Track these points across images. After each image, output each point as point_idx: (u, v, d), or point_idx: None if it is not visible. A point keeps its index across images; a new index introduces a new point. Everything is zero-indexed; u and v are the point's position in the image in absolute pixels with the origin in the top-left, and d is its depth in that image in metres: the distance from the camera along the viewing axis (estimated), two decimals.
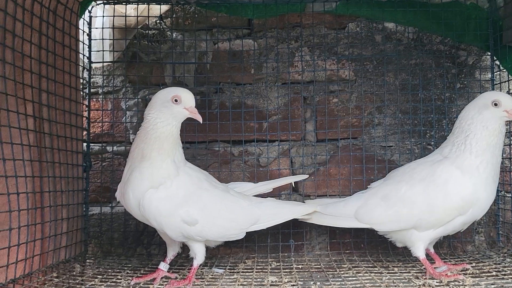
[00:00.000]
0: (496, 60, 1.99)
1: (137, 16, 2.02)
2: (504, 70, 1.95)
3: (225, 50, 2.10)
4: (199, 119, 1.49)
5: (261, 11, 2.04)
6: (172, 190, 1.46)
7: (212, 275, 1.65)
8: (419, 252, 1.58)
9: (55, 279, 1.53)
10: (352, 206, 1.66)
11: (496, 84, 1.99)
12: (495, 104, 1.52)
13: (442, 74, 2.05)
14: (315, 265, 1.81)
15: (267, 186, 1.81)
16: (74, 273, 1.64)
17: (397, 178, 1.64)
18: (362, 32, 2.07)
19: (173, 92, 1.47)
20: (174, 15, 2.11)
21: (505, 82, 1.95)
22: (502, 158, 1.60)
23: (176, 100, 1.45)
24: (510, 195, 1.91)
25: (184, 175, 1.49)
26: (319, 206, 1.71)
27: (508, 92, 1.95)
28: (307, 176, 1.91)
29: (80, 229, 1.90)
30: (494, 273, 1.55)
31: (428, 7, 1.98)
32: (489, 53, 2.00)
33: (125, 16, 2.01)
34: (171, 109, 1.45)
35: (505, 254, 1.85)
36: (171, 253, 1.64)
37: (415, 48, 2.07)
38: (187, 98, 1.47)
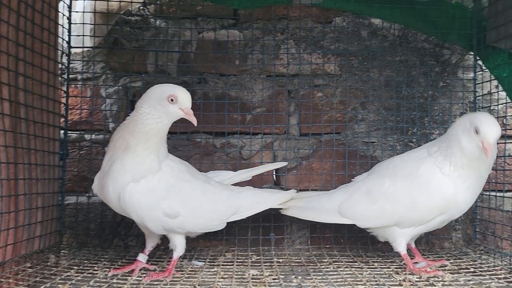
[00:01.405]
0: (479, 59, 2.01)
1: (120, 1, 1.97)
2: (486, 70, 1.97)
3: (210, 40, 2.06)
4: (194, 122, 1.43)
5: (247, 2, 2.01)
6: (153, 183, 1.42)
7: (191, 267, 1.62)
8: (401, 247, 1.58)
9: (28, 269, 1.47)
10: (336, 200, 1.65)
11: (478, 83, 2.01)
12: (476, 131, 1.43)
13: (425, 72, 2.06)
14: (295, 259, 1.80)
15: (247, 174, 1.80)
16: (49, 263, 1.59)
17: (380, 173, 1.64)
18: (349, 27, 2.06)
19: (170, 90, 1.41)
20: (158, 2, 2.06)
21: (487, 82, 1.97)
22: None
23: (172, 100, 1.40)
24: (487, 193, 1.93)
25: (166, 168, 1.46)
26: (302, 200, 1.70)
27: (489, 92, 1.98)
28: (287, 163, 1.92)
29: (55, 219, 1.84)
30: (471, 270, 1.58)
31: (414, 5, 1.99)
32: (472, 53, 2.02)
33: (107, 0, 1.95)
34: (166, 107, 1.40)
35: (482, 251, 1.88)
36: (150, 244, 1.60)
37: (400, 45, 2.07)
38: (184, 98, 1.42)
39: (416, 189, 1.54)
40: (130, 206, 1.40)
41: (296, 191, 1.79)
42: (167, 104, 1.40)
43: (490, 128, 1.41)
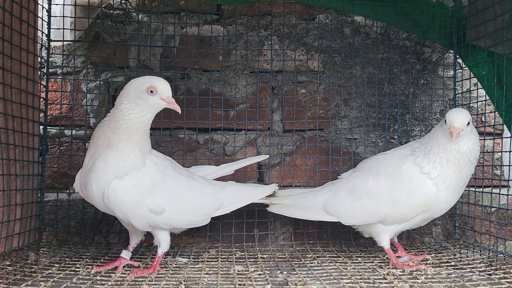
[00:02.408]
0: (458, 58, 2.05)
1: None
2: (466, 68, 2.01)
3: (193, 35, 2.04)
4: (178, 109, 1.40)
5: None
6: (138, 180, 1.40)
7: (176, 264, 1.61)
8: (384, 242, 1.60)
9: (8, 267, 1.44)
10: (321, 198, 1.67)
11: (458, 81, 2.05)
12: (445, 121, 1.51)
13: (407, 70, 2.09)
14: (279, 254, 1.80)
15: (229, 168, 1.80)
16: (29, 261, 1.55)
17: (365, 171, 1.66)
18: (332, 24, 2.08)
19: (148, 82, 1.38)
20: None
21: (466, 79, 2.01)
22: None
23: (151, 91, 1.37)
24: (466, 189, 1.97)
25: (150, 164, 1.43)
26: (288, 198, 1.71)
27: (468, 90, 2.03)
28: (268, 156, 1.93)
29: (34, 216, 1.79)
30: (452, 263, 1.61)
31: (396, 3, 2.00)
32: (452, 51, 2.06)
33: None
34: (147, 100, 1.37)
35: (461, 246, 1.92)
36: (134, 241, 1.58)
37: (382, 43, 2.09)
38: (164, 88, 1.38)
39: (398, 188, 1.56)
40: (115, 204, 1.38)
41: (278, 184, 1.79)
42: (147, 96, 1.37)
43: (454, 113, 1.50)
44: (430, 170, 1.53)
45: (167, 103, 1.39)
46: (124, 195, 1.38)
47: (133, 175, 1.40)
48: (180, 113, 1.43)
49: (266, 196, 1.71)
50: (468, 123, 1.49)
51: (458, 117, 1.47)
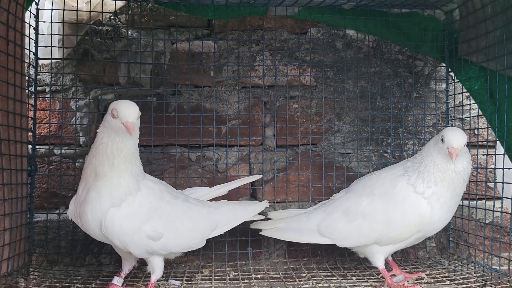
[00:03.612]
0: (451, 71, 2.04)
1: (90, 11, 1.90)
2: (458, 82, 2.00)
3: (184, 51, 2.02)
4: (131, 133, 1.33)
5: (222, 12, 1.97)
6: (135, 207, 1.38)
7: None
8: (379, 263, 1.59)
9: None
10: (315, 220, 1.65)
11: (450, 95, 2.05)
12: (442, 140, 1.49)
13: (399, 83, 2.08)
14: (273, 274, 1.79)
15: (223, 189, 1.79)
16: None
17: (358, 191, 1.65)
18: (324, 38, 2.06)
19: (112, 105, 1.36)
20: (130, 12, 1.99)
21: (459, 94, 2.00)
22: None
23: (113, 115, 1.34)
24: (460, 203, 1.96)
25: (145, 189, 1.42)
26: (282, 222, 1.70)
27: (460, 103, 2.02)
28: (261, 175, 1.92)
29: (24, 239, 1.76)
30: (448, 282, 1.60)
31: (388, 16, 2.00)
32: (444, 64, 2.05)
33: (77, 10, 1.88)
34: (111, 123, 1.35)
35: (455, 260, 1.92)
36: (127, 267, 1.56)
37: (374, 57, 2.08)
38: (123, 112, 1.33)
39: (392, 208, 1.55)
40: (113, 233, 1.35)
41: (271, 201, 1.82)
42: (111, 119, 1.35)
43: (453, 133, 1.48)
44: (424, 189, 1.52)
45: (124, 128, 1.33)
46: (122, 222, 1.36)
47: (130, 201, 1.38)
48: (131, 136, 1.37)
49: (259, 220, 1.71)
50: (465, 144, 1.49)
51: (458, 138, 1.46)
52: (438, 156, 1.51)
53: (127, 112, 1.34)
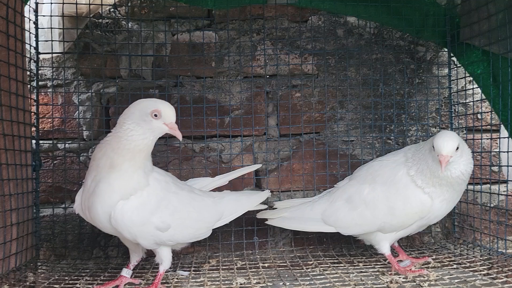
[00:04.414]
0: (453, 56, 2.03)
1: (89, 4, 1.89)
2: (461, 66, 1.99)
3: (185, 42, 2.01)
4: (179, 136, 1.39)
5: (222, 2, 1.96)
6: (143, 199, 1.38)
7: (177, 278, 1.59)
8: (385, 249, 1.60)
9: None
10: (318, 209, 1.66)
11: (453, 80, 2.04)
12: (433, 147, 1.46)
13: (401, 69, 2.07)
14: (280, 262, 1.79)
15: (224, 179, 1.80)
16: (27, 283, 1.52)
17: (360, 179, 1.65)
18: (324, 26, 2.05)
19: (153, 106, 1.36)
20: (129, 4, 1.99)
21: (461, 78, 2.00)
22: None
23: (156, 115, 1.35)
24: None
25: (153, 182, 1.42)
26: (287, 211, 1.72)
27: (463, 88, 2.02)
28: (261, 165, 1.92)
29: (31, 233, 1.77)
30: (454, 266, 1.61)
31: (389, 2, 1.99)
32: (446, 49, 2.04)
33: (76, 3, 1.87)
34: (150, 123, 1.35)
35: (461, 245, 1.92)
36: (135, 259, 1.56)
37: (376, 43, 2.07)
38: (168, 113, 1.36)
39: (394, 196, 1.55)
40: (123, 225, 1.36)
41: (276, 190, 1.86)
42: (151, 119, 1.35)
43: (442, 140, 1.44)
44: (424, 186, 1.52)
45: (169, 129, 1.37)
46: (131, 214, 1.36)
47: (138, 194, 1.38)
48: (181, 140, 1.44)
49: (264, 209, 1.73)
50: (457, 148, 1.44)
51: (446, 145, 1.42)
52: (433, 164, 1.48)
53: (171, 113, 1.37)
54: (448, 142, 1.43)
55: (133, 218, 1.36)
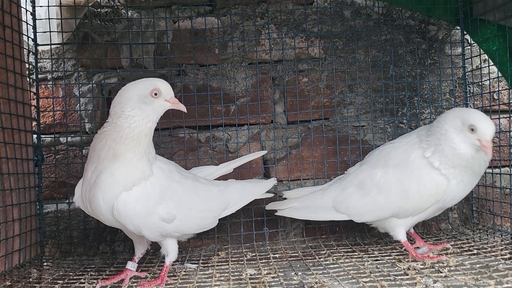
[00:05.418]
0: (466, 34, 1.95)
1: None
2: (475, 44, 1.91)
3: (187, 29, 1.95)
4: (183, 108, 1.37)
5: None
6: (147, 189, 1.33)
7: (185, 271, 1.54)
8: (400, 236, 1.53)
9: None
10: (329, 197, 1.60)
11: (467, 58, 1.95)
12: (472, 130, 1.39)
13: (412, 50, 1.99)
14: (292, 253, 1.73)
15: (228, 167, 1.75)
16: (31, 279, 1.48)
17: (372, 163, 1.58)
18: (331, 8, 1.98)
19: (151, 85, 1.31)
20: None
21: (476, 56, 1.91)
22: None
23: (156, 94, 1.31)
24: None
25: (157, 171, 1.36)
26: (297, 201, 1.66)
27: (478, 67, 1.93)
28: (266, 151, 1.87)
29: (34, 230, 1.72)
30: (474, 251, 1.53)
31: None
32: (459, 27, 1.96)
33: None
34: (152, 104, 1.30)
35: (480, 230, 1.84)
36: (140, 251, 1.51)
37: (385, 24, 1.99)
38: (167, 89, 1.33)
39: (407, 178, 1.48)
40: (126, 216, 1.30)
41: (281, 179, 1.84)
42: (152, 100, 1.30)
43: (487, 125, 1.38)
44: (441, 167, 1.44)
45: (171, 104, 1.34)
46: (135, 205, 1.30)
47: (142, 184, 1.32)
48: (186, 112, 1.41)
49: (274, 202, 1.69)
50: None
51: (492, 129, 1.36)
52: (462, 145, 1.40)
53: (169, 88, 1.34)
54: (492, 126, 1.37)
55: (137, 209, 1.30)
